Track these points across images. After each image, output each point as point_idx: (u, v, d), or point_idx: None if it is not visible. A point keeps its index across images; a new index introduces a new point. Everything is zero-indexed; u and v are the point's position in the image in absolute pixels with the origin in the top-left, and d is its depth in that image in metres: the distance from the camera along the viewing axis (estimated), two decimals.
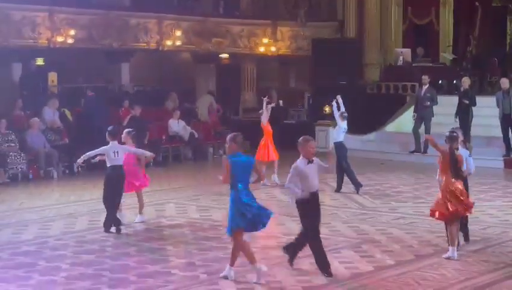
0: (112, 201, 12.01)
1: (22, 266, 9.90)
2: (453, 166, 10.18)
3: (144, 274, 9.52)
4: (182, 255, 10.64)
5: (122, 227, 11.94)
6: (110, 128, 12.29)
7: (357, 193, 15.35)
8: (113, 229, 11.93)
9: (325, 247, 9.55)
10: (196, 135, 21.69)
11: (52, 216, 13.41)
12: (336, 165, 15.44)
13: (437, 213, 10.35)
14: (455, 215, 10.23)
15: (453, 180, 10.20)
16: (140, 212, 12.83)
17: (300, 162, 9.32)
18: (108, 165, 11.97)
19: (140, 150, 12.98)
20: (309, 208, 9.35)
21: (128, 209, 13.14)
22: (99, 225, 12.24)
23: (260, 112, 17.02)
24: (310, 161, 9.29)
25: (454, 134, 10.36)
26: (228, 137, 9.32)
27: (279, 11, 27.73)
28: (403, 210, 13.78)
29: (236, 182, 9.09)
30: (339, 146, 15.62)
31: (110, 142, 12.01)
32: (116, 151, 11.94)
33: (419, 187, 16.40)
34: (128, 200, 13.16)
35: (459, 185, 10.23)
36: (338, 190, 15.60)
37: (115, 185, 12.00)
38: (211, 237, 11.42)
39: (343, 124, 15.61)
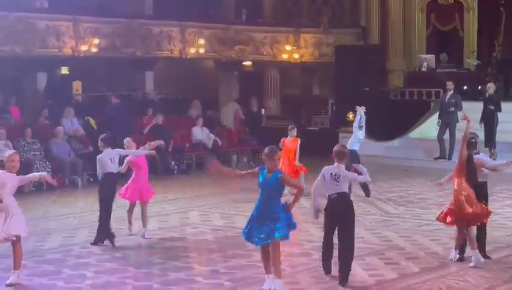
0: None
1: (47, 274, 9.95)
2: (469, 173, 10.10)
3: (168, 282, 9.53)
4: (205, 262, 10.65)
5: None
6: (103, 136, 11.98)
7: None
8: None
9: None
10: (220, 143, 21.71)
11: (76, 224, 13.49)
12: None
13: (449, 218, 10.26)
14: (474, 218, 10.11)
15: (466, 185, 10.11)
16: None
17: None
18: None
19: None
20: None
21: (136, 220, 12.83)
22: (123, 233, 12.28)
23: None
24: None
25: (473, 140, 10.34)
26: None
27: (302, 18, 27.76)
28: (427, 217, 13.66)
29: None
30: (350, 154, 15.40)
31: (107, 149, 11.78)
32: (113, 158, 11.78)
33: (444, 194, 16.16)
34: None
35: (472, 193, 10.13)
36: (368, 194, 15.50)
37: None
38: (234, 244, 11.39)
39: (359, 134, 15.41)
